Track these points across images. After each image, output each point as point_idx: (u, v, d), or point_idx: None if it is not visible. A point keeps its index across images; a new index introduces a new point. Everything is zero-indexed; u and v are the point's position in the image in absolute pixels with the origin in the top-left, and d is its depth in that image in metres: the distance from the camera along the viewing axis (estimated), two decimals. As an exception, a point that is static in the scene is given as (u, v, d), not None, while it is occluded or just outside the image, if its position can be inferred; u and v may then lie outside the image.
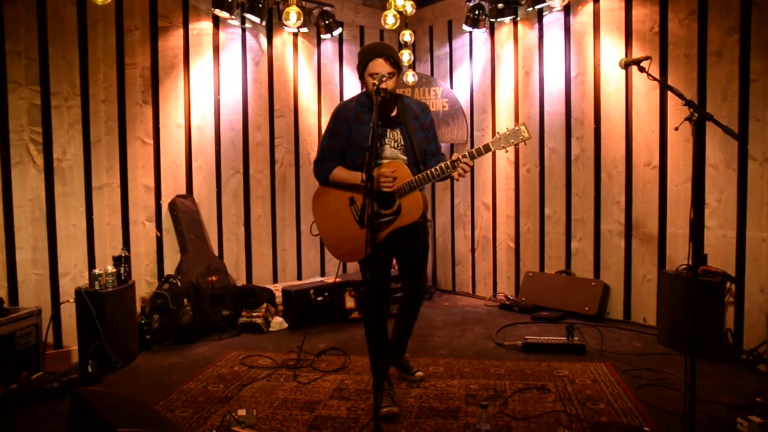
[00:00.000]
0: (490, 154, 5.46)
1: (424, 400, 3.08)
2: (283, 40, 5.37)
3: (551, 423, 2.76)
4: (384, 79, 2.75)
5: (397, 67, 2.84)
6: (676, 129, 2.59)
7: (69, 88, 4.04)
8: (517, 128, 2.74)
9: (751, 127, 3.74)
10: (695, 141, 2.44)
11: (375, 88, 2.72)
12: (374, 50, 2.82)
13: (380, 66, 2.78)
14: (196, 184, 4.83)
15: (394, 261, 3.25)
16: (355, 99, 3.01)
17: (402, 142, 2.95)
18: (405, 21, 5.45)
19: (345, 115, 2.96)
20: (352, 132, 2.93)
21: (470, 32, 5.56)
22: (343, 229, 2.98)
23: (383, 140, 2.94)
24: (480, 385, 3.28)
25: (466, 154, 2.77)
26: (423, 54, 6.07)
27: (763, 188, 3.70)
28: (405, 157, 2.95)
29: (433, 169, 2.80)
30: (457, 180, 2.82)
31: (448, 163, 2.78)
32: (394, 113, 2.96)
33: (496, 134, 2.80)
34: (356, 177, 2.86)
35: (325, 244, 3.08)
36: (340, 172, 2.95)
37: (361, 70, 2.86)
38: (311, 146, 5.58)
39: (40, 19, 3.89)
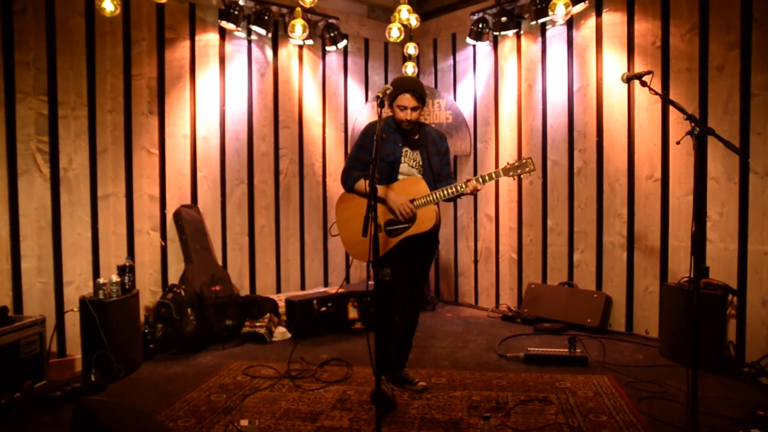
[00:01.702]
0: (493, 164, 5.53)
1: (426, 412, 3.08)
2: (288, 52, 5.42)
3: (553, 435, 2.77)
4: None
5: (422, 101, 3.20)
6: (678, 143, 2.62)
7: (76, 98, 4.09)
8: (524, 161, 3.14)
9: (752, 141, 3.77)
10: (697, 155, 2.47)
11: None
12: (405, 86, 3.16)
13: (407, 100, 3.14)
14: (201, 194, 4.86)
15: None
16: (384, 120, 3.28)
17: (421, 163, 3.29)
18: (409, 34, 5.51)
19: (373, 132, 3.18)
20: (378, 147, 3.13)
21: (474, 45, 5.61)
22: (361, 231, 3.09)
23: (403, 158, 3.27)
24: (482, 396, 3.29)
25: (479, 178, 3.14)
26: (427, 66, 6.12)
27: (764, 201, 3.72)
28: (420, 176, 3.26)
29: (448, 187, 3.13)
30: (469, 194, 3.13)
31: (463, 183, 3.10)
32: (416, 137, 3.31)
33: (507, 164, 3.16)
34: (378, 191, 3.14)
35: (344, 244, 3.35)
36: (364, 184, 3.23)
37: (391, 99, 3.20)
38: (315, 157, 5.61)
39: (49, 29, 3.95)
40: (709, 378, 3.48)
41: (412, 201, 3.13)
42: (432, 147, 3.31)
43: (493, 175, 3.15)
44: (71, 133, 4.07)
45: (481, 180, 3.13)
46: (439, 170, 3.33)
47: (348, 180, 3.31)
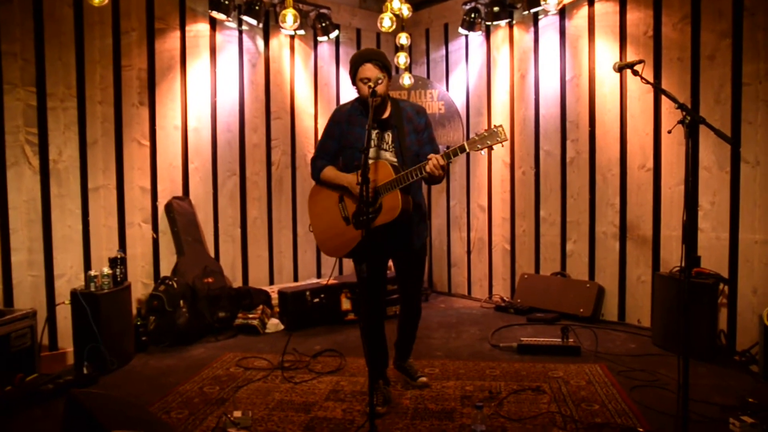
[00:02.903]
0: (485, 156, 5.53)
1: (420, 402, 3.09)
2: (279, 43, 5.38)
3: (546, 424, 2.78)
4: (379, 81, 2.83)
5: (387, 70, 2.90)
6: (669, 132, 2.62)
7: (65, 89, 4.04)
8: (494, 129, 2.71)
9: (744, 130, 3.78)
10: (688, 144, 2.47)
11: (371, 91, 2.80)
12: (363, 56, 2.93)
13: (369, 71, 2.87)
14: (193, 185, 4.83)
15: (391, 263, 3.29)
16: (351, 103, 3.11)
17: (392, 145, 3.00)
18: (401, 24, 5.47)
19: (339, 118, 3.07)
20: (345, 134, 3.03)
21: (466, 35, 5.59)
22: (331, 225, 3.06)
23: (372, 141, 2.98)
24: (475, 386, 3.30)
25: (443, 154, 2.78)
26: (419, 57, 6.09)
27: (755, 191, 3.73)
28: (394, 159, 2.99)
29: (409, 171, 2.81)
30: (436, 175, 2.78)
31: (421, 165, 2.79)
32: (386, 116, 3.03)
33: (473, 136, 2.79)
34: (342, 178, 2.99)
35: (316, 239, 3.17)
36: (329, 172, 3.06)
37: (353, 76, 2.96)
38: (307, 148, 5.59)
39: (37, 20, 3.90)
40: (701, 366, 3.50)
41: (374, 189, 2.86)
42: (407, 125, 3.01)
43: (458, 151, 2.75)
44: (60, 125, 4.03)
45: (444, 157, 2.76)
46: (418, 150, 3.01)
47: (314, 171, 3.09)
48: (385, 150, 3.00)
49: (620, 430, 2.66)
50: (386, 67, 2.91)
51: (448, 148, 2.82)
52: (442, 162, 2.76)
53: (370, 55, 2.92)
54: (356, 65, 2.92)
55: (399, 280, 3.27)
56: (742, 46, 3.78)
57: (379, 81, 2.81)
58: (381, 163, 2.92)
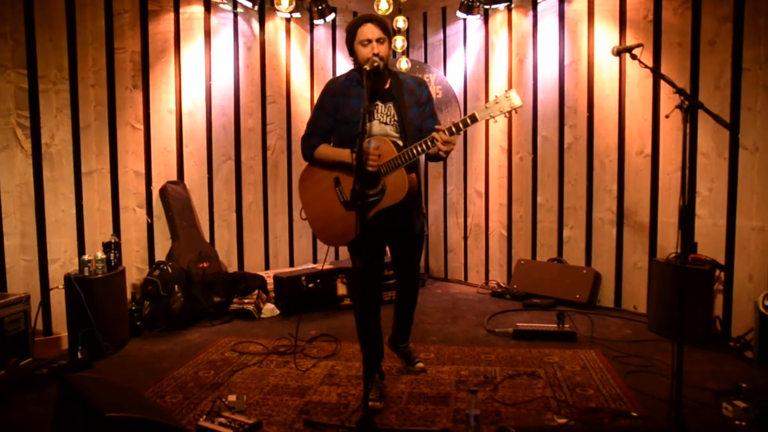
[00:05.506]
0: (483, 139, 5.49)
1: (415, 386, 3.09)
2: (275, 26, 5.31)
3: (540, 408, 2.78)
4: (381, 41, 2.68)
5: (388, 33, 2.74)
6: (667, 117, 2.59)
7: (57, 71, 3.98)
8: (506, 95, 2.54)
9: (743, 116, 3.75)
10: (686, 129, 2.44)
11: (370, 57, 2.66)
12: (362, 18, 2.75)
13: (370, 31, 2.69)
14: (187, 170, 4.79)
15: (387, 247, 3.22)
16: (346, 74, 2.93)
17: (395, 118, 2.81)
18: (399, 7, 5.40)
19: (333, 90, 2.88)
20: (340, 107, 2.82)
21: (464, 19, 5.52)
22: (329, 211, 2.88)
23: (373, 115, 2.80)
24: (470, 371, 3.30)
25: (450, 128, 2.60)
26: (417, 40, 6.03)
27: (753, 177, 3.71)
28: (396, 134, 2.82)
29: (415, 146, 2.65)
30: (444, 155, 2.67)
31: (431, 137, 2.62)
32: (386, 86, 2.84)
33: (483, 104, 2.64)
34: (341, 154, 2.78)
35: (312, 228, 2.99)
36: (325, 150, 2.87)
37: (351, 41, 2.76)
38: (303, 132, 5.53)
39: (26, 0, 3.83)
40: (696, 352, 3.51)
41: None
42: (409, 97, 2.83)
43: (468, 121, 2.59)
44: (53, 108, 3.98)
45: (448, 131, 2.59)
46: (421, 123, 2.85)
47: (307, 149, 2.87)
48: (386, 123, 2.80)
49: (614, 414, 2.67)
50: (387, 29, 2.72)
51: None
52: (447, 138, 2.59)
53: (370, 17, 2.73)
54: (354, 27, 2.72)
55: (396, 264, 3.16)
56: (743, 31, 3.74)
57: (381, 41, 2.66)
58: (380, 140, 2.71)
